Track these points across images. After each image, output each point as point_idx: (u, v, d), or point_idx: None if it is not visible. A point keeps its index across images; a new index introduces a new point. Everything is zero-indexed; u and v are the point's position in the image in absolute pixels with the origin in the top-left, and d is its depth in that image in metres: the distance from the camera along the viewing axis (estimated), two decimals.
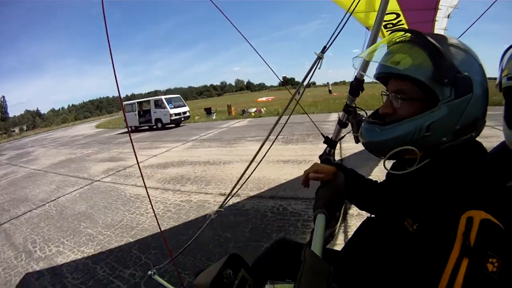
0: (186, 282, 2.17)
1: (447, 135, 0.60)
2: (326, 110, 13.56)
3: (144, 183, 1.60)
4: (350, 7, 1.65)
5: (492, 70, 0.88)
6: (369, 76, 0.77)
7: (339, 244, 2.35)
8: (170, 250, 1.55)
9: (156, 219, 1.49)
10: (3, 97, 68.92)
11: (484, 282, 0.45)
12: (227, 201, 2.00)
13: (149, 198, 1.50)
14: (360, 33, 2.67)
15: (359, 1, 1.69)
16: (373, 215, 0.89)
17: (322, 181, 0.89)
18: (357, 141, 0.83)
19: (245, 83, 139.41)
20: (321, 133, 1.82)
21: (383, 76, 0.70)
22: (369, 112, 0.83)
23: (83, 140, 15.22)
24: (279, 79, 2.28)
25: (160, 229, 1.62)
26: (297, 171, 4.57)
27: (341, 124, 1.67)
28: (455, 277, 0.46)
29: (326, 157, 1.64)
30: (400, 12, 2.57)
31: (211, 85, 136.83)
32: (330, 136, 1.70)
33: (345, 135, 1.69)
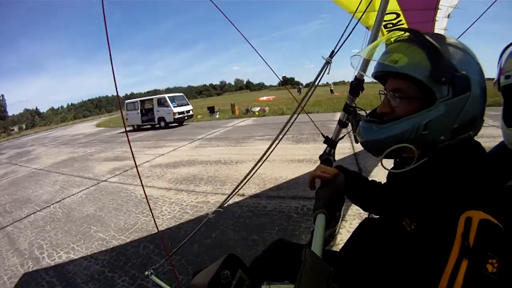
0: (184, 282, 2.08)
1: (445, 134, 0.60)
2: (331, 110, 13.36)
3: (142, 183, 1.48)
4: (355, 12, 1.64)
5: (491, 70, 0.94)
6: (369, 76, 0.77)
7: (337, 244, 2.29)
8: (169, 251, 1.55)
9: (154, 219, 1.52)
10: (2, 95, 68.15)
11: (484, 283, 0.45)
12: (228, 201, 1.97)
13: (146, 198, 1.58)
14: (360, 33, 2.62)
15: (366, 8, 1.68)
16: (371, 215, 0.90)
17: (326, 180, 0.89)
18: (357, 141, 0.80)
19: (245, 82, 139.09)
20: (321, 133, 1.80)
21: (381, 75, 0.70)
22: None
23: (84, 139, 14.91)
24: (279, 78, 2.28)
25: (158, 228, 1.52)
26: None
27: (341, 124, 1.64)
28: (454, 279, 0.45)
29: (326, 157, 1.59)
30: (400, 12, 2.55)
31: (211, 85, 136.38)
32: (330, 136, 1.66)
33: (345, 135, 1.66)
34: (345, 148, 5.47)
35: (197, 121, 15.88)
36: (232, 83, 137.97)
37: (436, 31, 2.91)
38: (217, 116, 16.63)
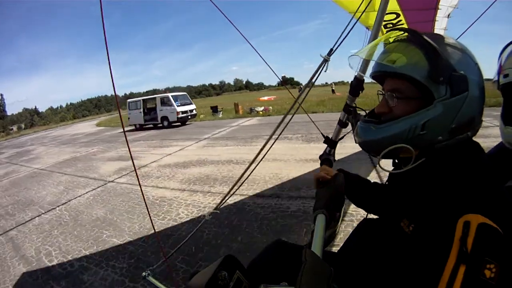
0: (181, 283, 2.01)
1: (443, 134, 0.59)
2: (336, 110, 13.18)
3: (139, 182, 1.32)
4: (356, 12, 1.65)
5: (490, 70, 0.96)
6: (367, 77, 0.81)
7: (337, 244, 2.22)
8: (166, 252, 1.54)
9: (151, 219, 1.44)
10: (1, 95, 67.13)
11: None
12: (224, 202, 1.96)
13: (143, 197, 1.53)
14: (359, 33, 2.67)
15: (366, 8, 1.69)
16: (369, 216, 0.92)
17: (326, 181, 0.90)
18: (356, 141, 0.78)
19: (244, 82, 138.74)
20: (321, 133, 1.79)
21: (379, 75, 0.69)
22: None
23: (85, 139, 14.61)
24: (279, 78, 2.30)
25: (154, 229, 1.53)
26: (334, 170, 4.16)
27: (341, 124, 1.62)
28: (452, 285, 0.45)
29: (326, 157, 1.57)
30: (400, 12, 2.54)
31: (210, 85, 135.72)
32: (330, 136, 1.65)
33: (345, 135, 1.65)
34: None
35: (200, 121, 15.63)
36: (232, 83, 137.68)
37: (436, 31, 2.90)
38: (220, 116, 16.39)
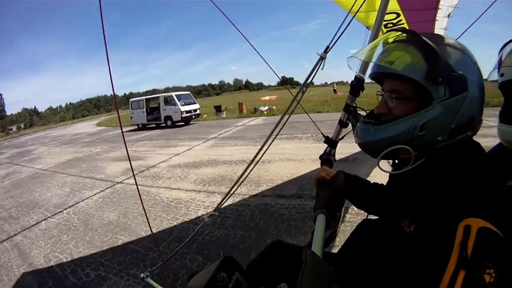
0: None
1: (442, 134, 0.59)
2: (340, 109, 12.95)
3: (136, 182, 1.18)
4: (352, 8, 1.67)
5: (490, 70, 0.97)
6: (367, 78, 0.80)
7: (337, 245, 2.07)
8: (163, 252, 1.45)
9: (147, 220, 1.36)
10: (1, 95, 66.56)
11: None
12: (223, 203, 1.91)
13: (139, 195, 1.59)
14: (360, 33, 2.67)
15: (362, 4, 1.71)
16: (369, 216, 0.92)
17: (326, 181, 0.89)
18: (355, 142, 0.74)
19: (244, 82, 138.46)
20: (322, 133, 1.78)
21: (378, 76, 0.69)
22: None
23: (87, 139, 14.34)
24: (279, 78, 2.32)
25: (151, 230, 1.45)
26: (353, 169, 3.97)
27: (342, 124, 1.62)
28: None
29: (326, 157, 1.55)
30: (400, 12, 2.54)
31: (209, 84, 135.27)
32: (330, 136, 1.65)
33: (345, 135, 1.63)
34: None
35: (204, 120, 15.39)
36: (231, 83, 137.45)
37: (436, 30, 2.90)
38: (224, 115, 16.17)
